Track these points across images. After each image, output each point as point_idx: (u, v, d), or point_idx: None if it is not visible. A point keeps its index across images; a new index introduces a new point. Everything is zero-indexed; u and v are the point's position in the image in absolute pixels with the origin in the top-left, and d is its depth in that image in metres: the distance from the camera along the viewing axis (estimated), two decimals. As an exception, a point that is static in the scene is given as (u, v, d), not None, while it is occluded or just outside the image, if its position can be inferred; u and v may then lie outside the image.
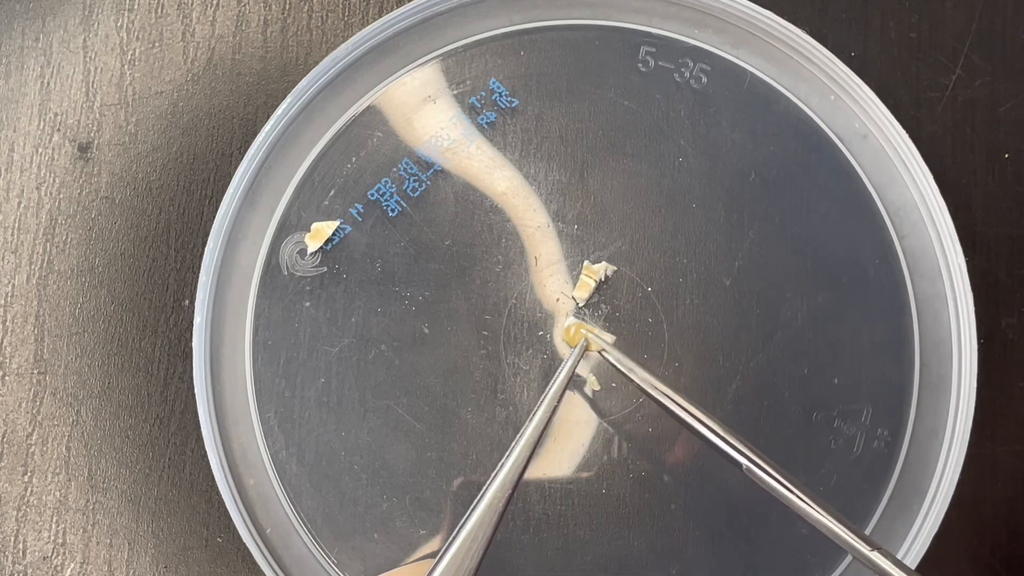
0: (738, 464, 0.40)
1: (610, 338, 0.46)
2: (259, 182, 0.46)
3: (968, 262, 0.46)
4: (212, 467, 0.44)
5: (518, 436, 0.40)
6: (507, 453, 0.40)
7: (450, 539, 0.38)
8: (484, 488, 0.39)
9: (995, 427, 0.48)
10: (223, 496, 0.44)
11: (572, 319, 0.46)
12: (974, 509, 0.48)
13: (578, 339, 0.46)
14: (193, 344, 0.45)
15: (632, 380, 0.43)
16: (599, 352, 0.45)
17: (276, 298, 0.46)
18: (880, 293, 0.47)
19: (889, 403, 0.46)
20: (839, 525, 0.38)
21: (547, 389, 0.42)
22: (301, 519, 0.45)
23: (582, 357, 0.45)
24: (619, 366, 0.44)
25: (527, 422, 0.41)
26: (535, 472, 0.46)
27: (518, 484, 0.40)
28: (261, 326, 0.46)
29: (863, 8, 0.50)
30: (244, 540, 0.44)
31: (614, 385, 0.46)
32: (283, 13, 0.50)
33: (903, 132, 0.47)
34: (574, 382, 0.46)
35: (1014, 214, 0.49)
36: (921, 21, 0.50)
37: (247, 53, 0.50)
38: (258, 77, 0.49)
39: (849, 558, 0.45)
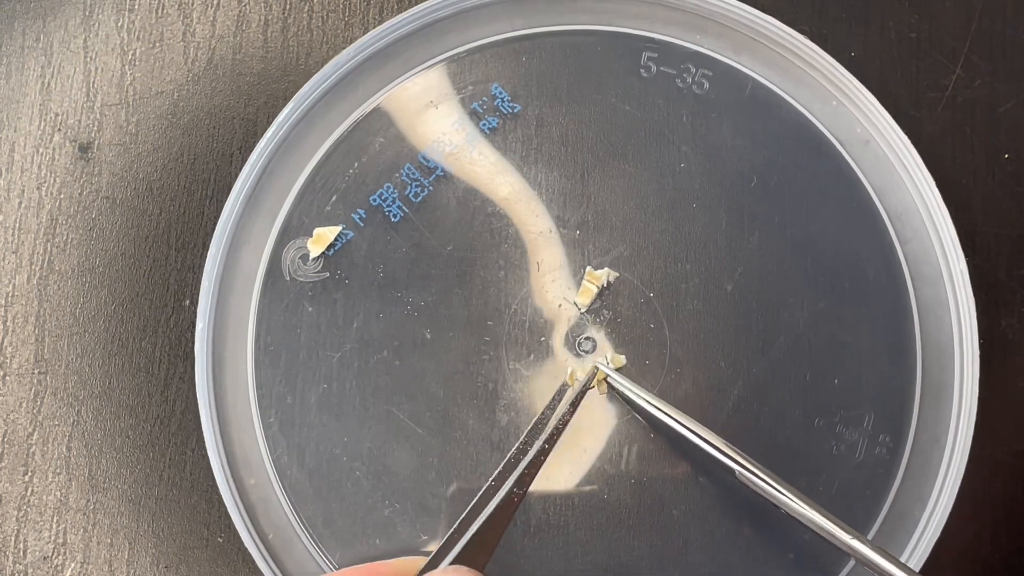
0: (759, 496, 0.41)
1: (621, 360, 0.46)
2: (261, 187, 0.46)
3: (968, 263, 0.46)
4: (214, 473, 0.44)
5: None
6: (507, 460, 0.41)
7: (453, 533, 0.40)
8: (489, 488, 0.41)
9: (996, 428, 0.48)
10: (225, 502, 0.44)
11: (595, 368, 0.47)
12: (974, 510, 0.48)
13: (603, 386, 0.46)
14: (195, 349, 0.45)
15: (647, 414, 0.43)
16: (606, 379, 0.45)
17: (278, 303, 0.46)
18: (882, 298, 0.47)
19: (891, 408, 0.46)
20: (819, 514, 0.40)
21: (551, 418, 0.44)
22: (303, 524, 0.45)
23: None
24: (630, 395, 0.44)
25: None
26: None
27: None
28: (263, 331, 0.46)
29: (862, 9, 0.50)
30: (246, 545, 0.44)
31: (615, 388, 0.46)
32: (284, 13, 0.50)
33: (905, 138, 0.47)
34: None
35: (1014, 214, 0.50)
36: (921, 21, 0.50)
37: (248, 53, 0.49)
38: (259, 77, 0.49)
39: (850, 565, 0.45)
